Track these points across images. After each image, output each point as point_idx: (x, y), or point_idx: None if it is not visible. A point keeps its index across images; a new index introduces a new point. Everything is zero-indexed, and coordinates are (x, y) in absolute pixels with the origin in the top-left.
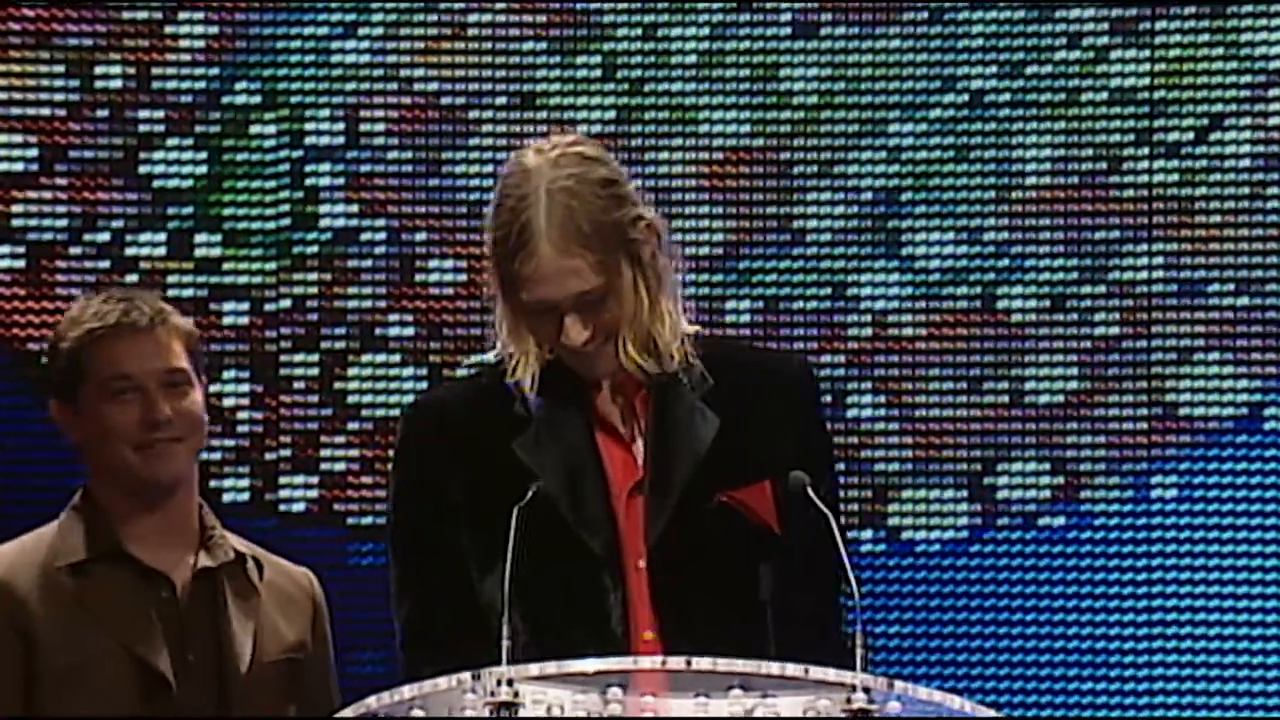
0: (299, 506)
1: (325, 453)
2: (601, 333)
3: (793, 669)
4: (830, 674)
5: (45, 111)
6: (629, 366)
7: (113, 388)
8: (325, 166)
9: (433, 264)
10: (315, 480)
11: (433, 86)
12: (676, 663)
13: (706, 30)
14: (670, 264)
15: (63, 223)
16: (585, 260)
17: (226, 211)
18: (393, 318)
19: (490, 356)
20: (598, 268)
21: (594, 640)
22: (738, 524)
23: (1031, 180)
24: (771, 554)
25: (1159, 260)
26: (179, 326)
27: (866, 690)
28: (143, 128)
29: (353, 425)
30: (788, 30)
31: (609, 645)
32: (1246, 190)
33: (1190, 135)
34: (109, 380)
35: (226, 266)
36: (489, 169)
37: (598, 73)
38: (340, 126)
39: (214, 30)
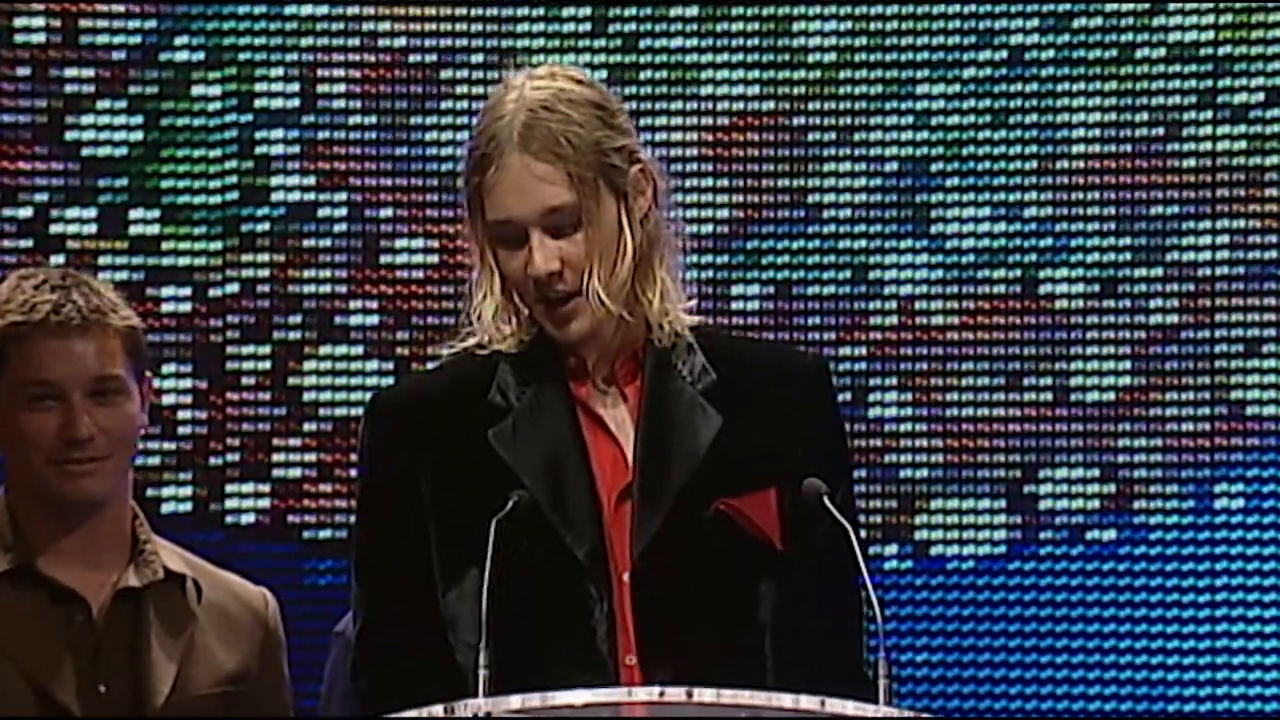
0: (248, 518)
1: (278, 457)
2: (571, 267)
3: (807, 701)
4: (849, 707)
5: None
6: (596, 309)
7: (31, 392)
8: (278, 133)
9: (400, 244)
10: (267, 489)
11: (400, 42)
12: (676, 694)
13: None
14: (669, 234)
15: None
16: (558, 171)
17: (165, 184)
18: (354, 304)
19: (470, 342)
20: (572, 184)
21: (576, 661)
22: (736, 536)
23: (1079, 148)
24: (774, 571)
25: (1223, 239)
26: (119, 327)
27: None
28: (69, 88)
29: (309, 426)
30: None
31: (593, 666)
32: None
33: (1260, 97)
34: (28, 384)
35: (165, 246)
36: (463, 135)
37: (587, 26)
38: (295, 88)
39: None
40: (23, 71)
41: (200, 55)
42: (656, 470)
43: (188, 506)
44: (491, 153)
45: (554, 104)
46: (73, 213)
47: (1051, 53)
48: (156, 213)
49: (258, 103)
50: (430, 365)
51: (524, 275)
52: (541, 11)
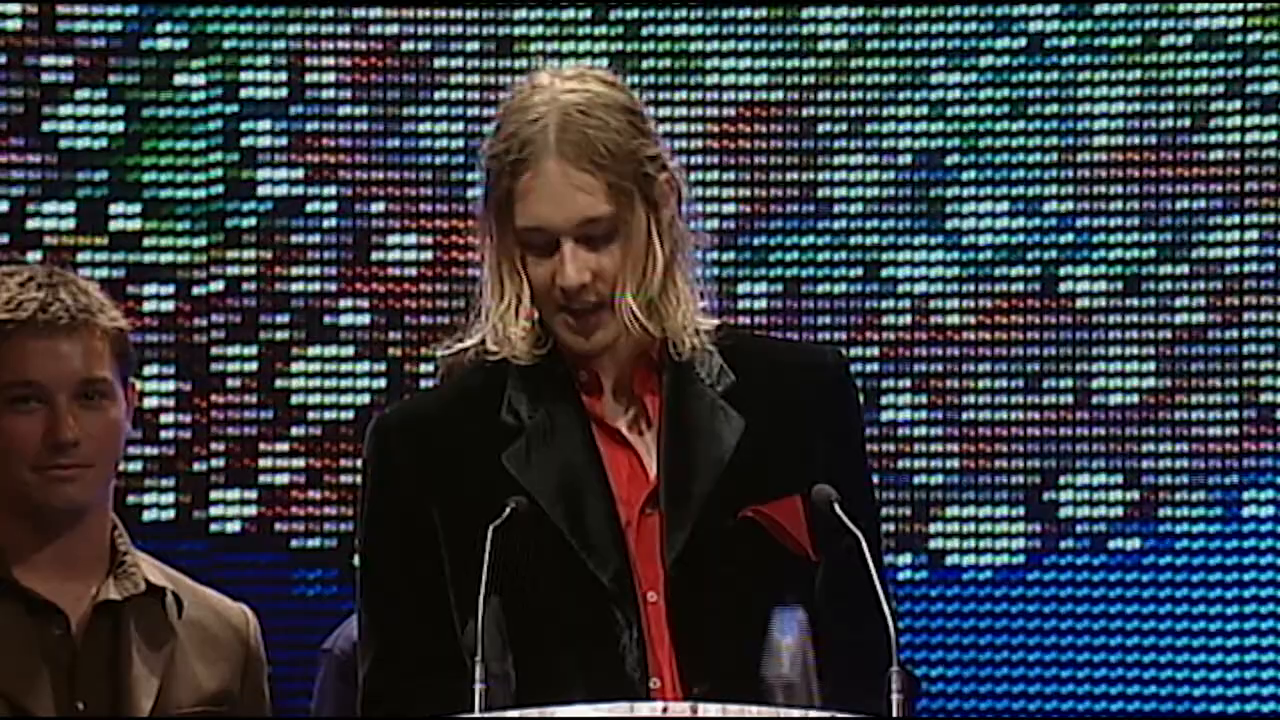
0: (234, 526)
1: (265, 463)
2: (602, 279)
3: (815, 716)
4: None
5: None
6: (630, 326)
7: (14, 394)
8: (264, 124)
9: (391, 240)
10: (253, 495)
11: (392, 30)
12: (680, 709)
13: None
14: (689, 239)
15: None
16: (597, 181)
17: (147, 177)
18: (344, 303)
19: (472, 341)
20: (610, 194)
21: (607, 690)
22: (764, 543)
23: (1101, 140)
24: (799, 579)
25: (1252, 235)
26: (107, 328)
27: None
28: (47, 77)
29: (297, 430)
30: None
31: (626, 695)
32: None
33: None
34: (11, 385)
35: (147, 242)
36: (458, 127)
37: (587, 13)
38: (282, 77)
39: None
40: None
41: (183, 43)
42: (682, 478)
43: (170, 514)
44: (526, 157)
45: (590, 109)
46: (50, 207)
47: (1072, 40)
48: (138, 207)
49: (243, 93)
50: (431, 377)
51: (550, 284)
52: None
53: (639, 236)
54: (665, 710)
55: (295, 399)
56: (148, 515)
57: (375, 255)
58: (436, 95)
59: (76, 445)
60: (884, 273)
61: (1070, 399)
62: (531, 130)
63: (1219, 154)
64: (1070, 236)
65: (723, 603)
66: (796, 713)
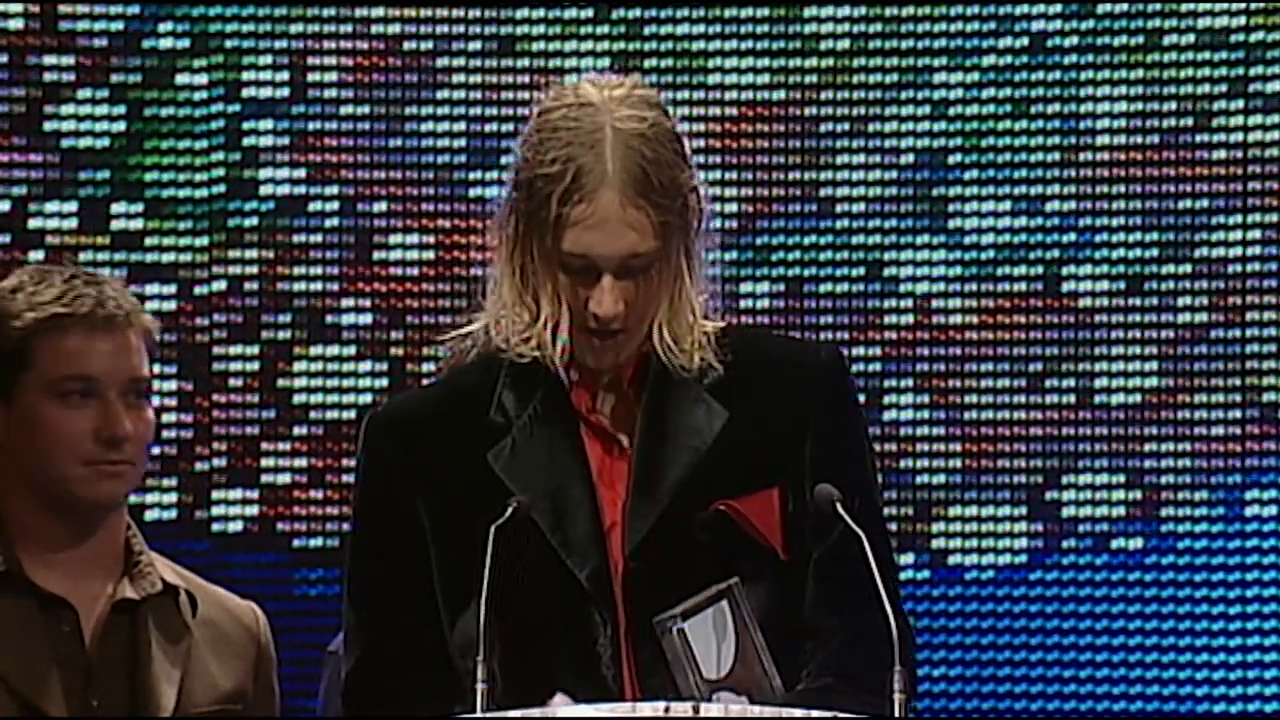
0: (236, 526)
1: (267, 463)
2: (635, 312)
3: (817, 716)
4: None
5: None
6: (663, 354)
7: (66, 388)
8: (266, 124)
9: (394, 239)
10: (255, 495)
11: (394, 29)
12: (681, 709)
13: None
14: (703, 250)
15: None
16: (650, 218)
17: (149, 176)
18: (346, 303)
19: (478, 327)
20: (659, 230)
21: (582, 689)
22: (735, 537)
23: (1104, 140)
24: (767, 574)
25: (1255, 234)
26: (149, 327)
27: None
28: (49, 77)
29: (299, 430)
30: None
31: (600, 695)
32: None
33: None
34: (65, 379)
35: (149, 242)
36: (460, 127)
37: (589, 12)
38: (284, 76)
39: None
40: (0, 59)
41: (185, 42)
42: (654, 471)
43: (172, 514)
44: (581, 185)
45: (647, 140)
46: (52, 206)
47: (1075, 40)
48: (140, 207)
49: (245, 92)
50: (433, 377)
51: (582, 306)
52: None
53: (674, 268)
54: (668, 710)
55: (297, 399)
56: (149, 515)
57: (377, 255)
58: (438, 95)
59: (128, 441)
60: (886, 272)
61: (1072, 398)
62: (588, 158)
63: (1221, 153)
64: (1072, 236)
65: (682, 595)
66: (799, 713)
